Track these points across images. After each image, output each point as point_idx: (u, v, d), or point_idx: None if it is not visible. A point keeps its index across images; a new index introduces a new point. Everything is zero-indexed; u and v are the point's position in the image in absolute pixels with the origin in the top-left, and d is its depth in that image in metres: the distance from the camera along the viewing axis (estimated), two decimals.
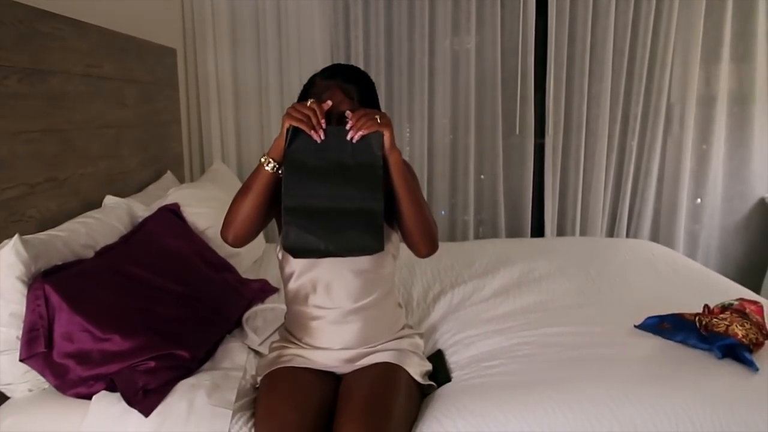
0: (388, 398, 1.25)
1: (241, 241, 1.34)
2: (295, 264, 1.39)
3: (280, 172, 1.27)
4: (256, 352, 1.62)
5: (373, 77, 1.43)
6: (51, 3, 1.74)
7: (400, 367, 1.36)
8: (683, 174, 3.13)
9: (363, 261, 1.38)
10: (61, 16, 1.80)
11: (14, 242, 1.35)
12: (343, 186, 1.25)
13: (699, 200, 3.23)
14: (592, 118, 3.14)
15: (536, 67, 3.09)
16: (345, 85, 1.34)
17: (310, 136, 1.24)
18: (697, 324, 1.49)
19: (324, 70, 1.40)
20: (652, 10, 2.98)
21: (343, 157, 1.25)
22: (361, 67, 3.03)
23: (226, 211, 1.33)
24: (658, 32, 3.02)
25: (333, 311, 1.40)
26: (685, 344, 1.46)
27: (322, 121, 1.24)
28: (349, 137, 1.24)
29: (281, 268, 1.45)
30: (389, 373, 1.34)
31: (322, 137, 1.24)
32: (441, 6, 3.03)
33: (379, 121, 1.24)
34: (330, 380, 1.37)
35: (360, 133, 1.23)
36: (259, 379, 1.41)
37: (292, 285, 1.43)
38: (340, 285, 1.40)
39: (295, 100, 1.36)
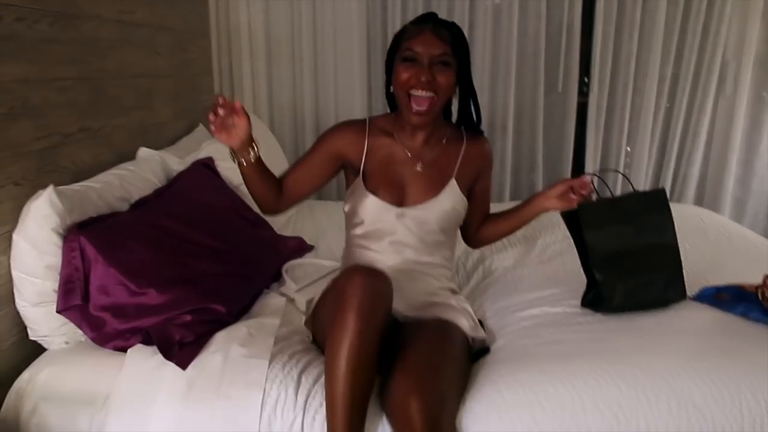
0: (444, 357, 1.21)
1: (283, 208, 1.48)
2: (366, 214, 1.41)
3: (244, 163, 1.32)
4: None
5: None
6: None
7: (457, 326, 1.34)
8: (734, 137, 2.96)
9: (434, 227, 1.43)
10: None
11: (49, 193, 1.32)
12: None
13: None
14: (640, 76, 2.96)
15: (583, 20, 2.91)
16: (437, 29, 1.33)
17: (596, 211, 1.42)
18: (760, 296, 1.40)
19: (417, 18, 1.39)
20: None
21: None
22: (399, 16, 2.94)
23: None
24: None
25: (396, 258, 1.42)
26: (746, 317, 1.37)
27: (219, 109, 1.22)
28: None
29: (348, 214, 1.46)
30: (447, 330, 1.31)
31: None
32: None
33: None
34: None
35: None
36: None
37: (359, 231, 1.44)
38: (407, 241, 1.42)
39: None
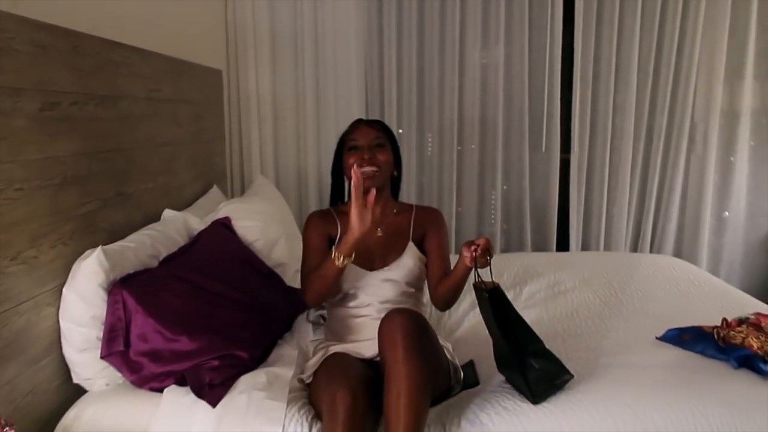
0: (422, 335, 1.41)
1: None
2: (344, 279, 1.64)
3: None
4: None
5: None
6: (118, 33, 1.92)
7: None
8: (706, 190, 3.21)
9: (402, 283, 1.69)
10: (129, 45, 1.98)
11: (97, 254, 1.52)
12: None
13: (726, 213, 3.28)
14: (617, 135, 3.24)
15: (562, 84, 3.21)
16: (369, 123, 1.76)
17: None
18: (716, 336, 1.60)
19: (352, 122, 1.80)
20: (677, 30, 3.08)
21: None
22: (394, 82, 3.22)
23: (304, 280, 1.68)
24: (682, 52, 3.12)
25: (375, 309, 1.64)
26: (703, 355, 1.57)
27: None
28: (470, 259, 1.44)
29: None
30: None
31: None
32: (471, 26, 3.17)
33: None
34: (377, 370, 1.49)
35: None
36: (306, 376, 1.57)
37: (339, 296, 1.68)
38: (382, 294, 1.66)
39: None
